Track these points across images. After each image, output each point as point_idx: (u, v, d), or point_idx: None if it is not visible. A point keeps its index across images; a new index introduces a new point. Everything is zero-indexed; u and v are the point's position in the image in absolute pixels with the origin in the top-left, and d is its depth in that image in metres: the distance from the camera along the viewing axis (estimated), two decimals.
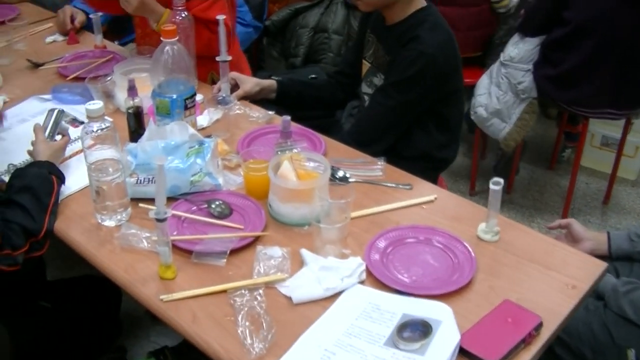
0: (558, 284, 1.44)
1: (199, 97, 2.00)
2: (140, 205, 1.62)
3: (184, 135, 1.74)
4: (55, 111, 1.92)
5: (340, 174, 1.80)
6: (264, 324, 1.32)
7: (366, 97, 2.23)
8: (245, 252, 1.53)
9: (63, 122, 1.94)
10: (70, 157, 1.88)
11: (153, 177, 1.65)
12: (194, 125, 1.89)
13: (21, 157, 1.86)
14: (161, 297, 1.41)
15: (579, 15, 2.77)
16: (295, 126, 1.95)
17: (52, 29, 2.81)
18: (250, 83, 2.25)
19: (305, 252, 1.50)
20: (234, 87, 2.24)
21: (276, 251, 1.52)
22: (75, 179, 1.78)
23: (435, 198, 1.73)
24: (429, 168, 2.15)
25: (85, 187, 1.74)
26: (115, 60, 2.44)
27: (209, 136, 1.86)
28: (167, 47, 1.79)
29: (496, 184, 1.50)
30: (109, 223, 1.63)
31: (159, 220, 1.38)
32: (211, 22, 2.22)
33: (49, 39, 2.73)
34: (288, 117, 1.85)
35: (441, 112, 2.11)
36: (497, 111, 3.08)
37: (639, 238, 1.93)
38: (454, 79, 2.08)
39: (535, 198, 3.50)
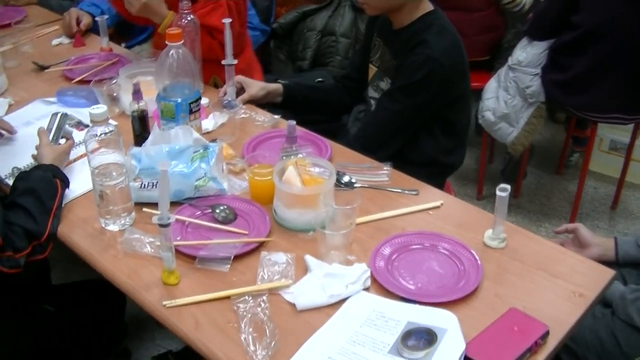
0: (565, 292, 1.43)
1: (204, 101, 2.00)
2: (144, 209, 1.61)
3: (188, 140, 1.74)
4: (59, 115, 1.92)
5: (346, 179, 1.79)
6: (267, 331, 1.31)
7: (372, 102, 2.22)
8: (249, 258, 1.52)
9: (67, 126, 1.94)
10: (74, 160, 1.87)
11: (157, 182, 1.64)
12: (199, 129, 1.88)
13: (25, 161, 1.85)
14: (164, 302, 1.40)
15: (588, 20, 2.75)
16: (301, 130, 1.94)
17: (59, 32, 2.83)
18: (256, 87, 2.24)
19: (309, 259, 1.49)
20: (240, 90, 2.23)
21: (280, 257, 1.51)
22: (80, 182, 1.77)
23: (442, 204, 1.71)
24: (435, 173, 2.13)
25: (89, 191, 1.73)
26: (121, 63, 2.44)
27: (214, 140, 1.85)
28: (172, 51, 1.78)
29: (503, 191, 1.49)
30: (113, 227, 1.62)
31: (162, 226, 1.38)
32: (211, 27, 2.22)
33: (55, 42, 2.74)
34: (293, 122, 1.83)
35: (448, 117, 2.10)
36: (504, 115, 3.07)
37: None
38: (461, 84, 2.07)
39: (542, 203, 3.48)
